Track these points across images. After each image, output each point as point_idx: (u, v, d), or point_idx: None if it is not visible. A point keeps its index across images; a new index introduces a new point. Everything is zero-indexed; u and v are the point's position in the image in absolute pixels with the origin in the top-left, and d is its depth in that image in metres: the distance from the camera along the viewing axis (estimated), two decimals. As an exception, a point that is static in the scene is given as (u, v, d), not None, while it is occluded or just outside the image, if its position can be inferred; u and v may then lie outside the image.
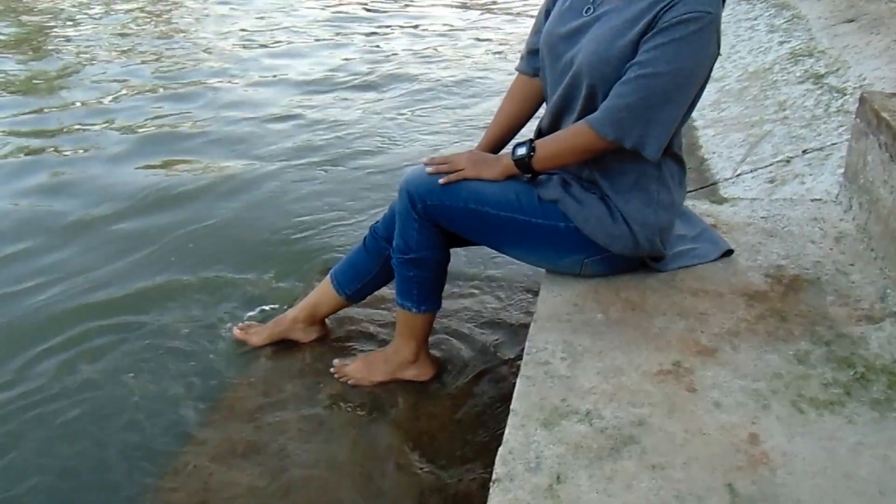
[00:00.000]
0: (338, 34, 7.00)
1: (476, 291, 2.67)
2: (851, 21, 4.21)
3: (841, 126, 3.02)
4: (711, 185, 2.99)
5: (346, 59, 6.13)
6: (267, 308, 2.58)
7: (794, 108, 3.34)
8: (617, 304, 1.86)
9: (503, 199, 1.86)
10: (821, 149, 2.92)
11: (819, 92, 3.38)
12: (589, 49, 1.76)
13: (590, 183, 1.87)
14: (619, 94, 1.71)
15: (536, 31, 1.98)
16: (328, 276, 2.29)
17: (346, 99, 5.14)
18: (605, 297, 1.88)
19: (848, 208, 2.27)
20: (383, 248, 2.14)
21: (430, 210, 1.90)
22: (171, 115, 4.73)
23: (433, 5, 8.58)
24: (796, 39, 4.21)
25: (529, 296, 2.62)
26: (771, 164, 2.94)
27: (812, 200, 2.40)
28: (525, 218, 1.86)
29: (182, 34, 6.92)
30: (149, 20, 7.50)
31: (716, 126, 3.47)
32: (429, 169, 1.90)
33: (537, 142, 1.85)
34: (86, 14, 7.69)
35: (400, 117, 4.74)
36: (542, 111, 2.04)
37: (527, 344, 1.72)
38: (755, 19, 4.93)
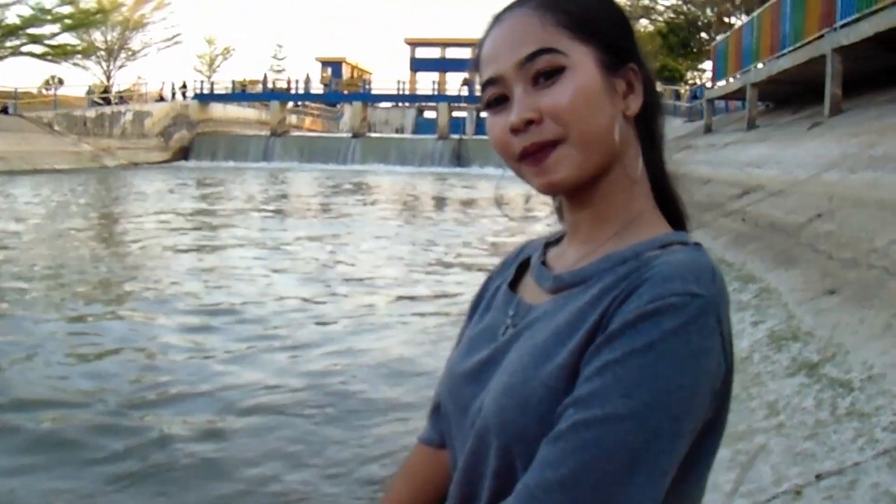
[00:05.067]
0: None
1: None
2: (832, 293, 3.59)
3: (859, 436, 2.23)
4: (697, 531, 2.12)
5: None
6: None
7: (791, 410, 2.56)
8: None
9: None
10: (840, 472, 2.10)
11: (818, 387, 2.63)
12: (498, 387, 0.96)
13: None
14: (546, 460, 0.86)
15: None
16: None
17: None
18: None
19: None
20: None
21: None
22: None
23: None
24: (773, 318, 3.55)
25: None
26: (775, 498, 2.10)
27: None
28: None
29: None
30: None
31: (692, 437, 2.67)
32: None
33: None
34: None
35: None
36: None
37: None
38: (720, 295, 4.33)
